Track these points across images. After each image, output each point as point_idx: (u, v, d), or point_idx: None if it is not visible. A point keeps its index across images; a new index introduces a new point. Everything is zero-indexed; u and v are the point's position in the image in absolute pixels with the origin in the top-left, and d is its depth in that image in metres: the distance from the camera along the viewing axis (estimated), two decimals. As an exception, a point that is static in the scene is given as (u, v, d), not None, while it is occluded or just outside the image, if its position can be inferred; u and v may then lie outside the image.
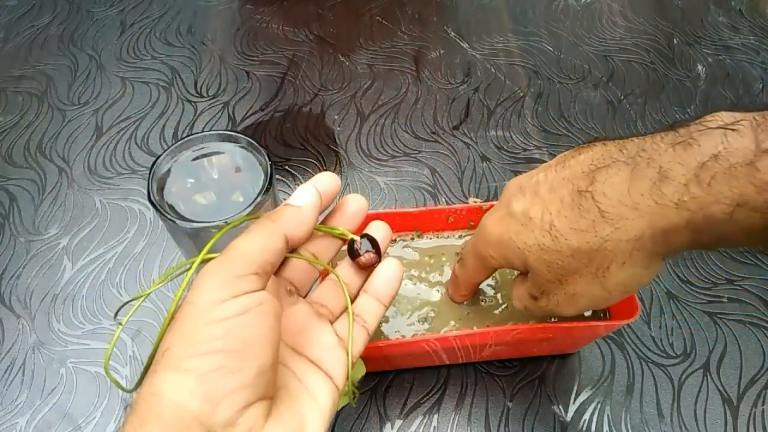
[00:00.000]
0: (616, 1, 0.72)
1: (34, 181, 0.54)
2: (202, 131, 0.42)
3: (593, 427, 0.41)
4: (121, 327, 0.29)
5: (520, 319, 0.39)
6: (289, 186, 0.54)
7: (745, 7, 0.71)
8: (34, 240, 0.50)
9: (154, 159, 0.37)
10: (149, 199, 0.34)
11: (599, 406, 0.41)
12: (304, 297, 0.31)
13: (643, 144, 0.26)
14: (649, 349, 0.44)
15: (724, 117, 0.24)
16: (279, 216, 0.28)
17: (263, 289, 0.25)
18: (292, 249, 0.29)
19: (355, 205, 0.31)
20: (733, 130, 0.24)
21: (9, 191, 0.53)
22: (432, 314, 0.40)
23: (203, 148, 0.37)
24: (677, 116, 0.60)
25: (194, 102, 0.60)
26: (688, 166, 0.24)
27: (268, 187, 0.34)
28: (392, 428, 0.41)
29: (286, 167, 0.55)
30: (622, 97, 0.62)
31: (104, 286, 0.47)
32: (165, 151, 0.36)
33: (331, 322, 0.31)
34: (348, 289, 0.31)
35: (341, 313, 0.31)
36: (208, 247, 0.28)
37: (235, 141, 0.37)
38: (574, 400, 0.42)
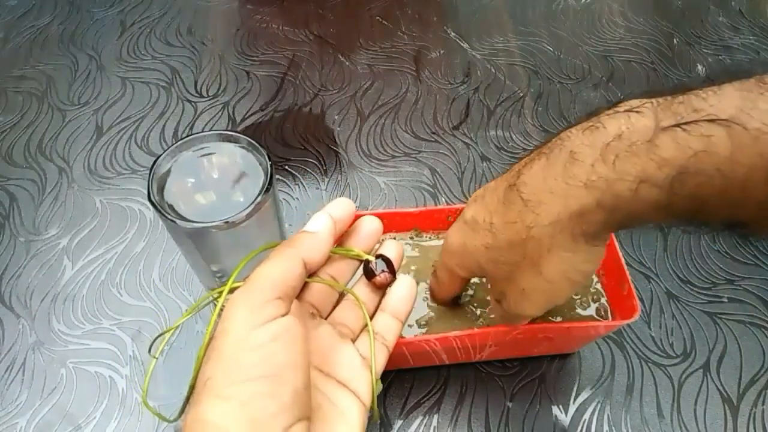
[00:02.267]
0: (616, 1, 0.72)
1: (34, 181, 0.54)
2: (202, 131, 0.42)
3: (593, 427, 0.41)
4: (155, 360, 0.31)
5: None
6: (289, 186, 0.54)
7: (745, 7, 0.71)
8: (34, 240, 0.50)
9: (154, 159, 0.37)
10: (149, 199, 0.34)
11: (599, 406, 0.41)
12: (326, 318, 0.33)
13: (561, 133, 0.28)
14: (649, 349, 0.44)
15: (632, 102, 0.26)
16: (297, 242, 0.29)
17: (288, 313, 0.27)
18: (311, 273, 0.31)
19: (369, 226, 0.34)
20: (637, 112, 0.25)
21: (9, 191, 0.53)
22: (432, 314, 0.40)
23: (203, 148, 0.37)
24: (677, 116, 0.60)
25: (194, 102, 0.60)
26: (595, 147, 0.25)
27: (268, 187, 0.34)
28: (392, 428, 0.41)
29: (286, 167, 0.55)
30: (622, 97, 0.61)
31: (104, 286, 0.47)
32: (165, 151, 0.36)
33: (352, 341, 0.32)
34: (366, 308, 0.33)
35: (361, 331, 0.33)
36: (234, 276, 0.29)
37: (235, 141, 0.37)
38: (574, 400, 0.42)
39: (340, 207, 0.32)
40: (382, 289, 0.34)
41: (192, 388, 0.26)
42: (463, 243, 0.32)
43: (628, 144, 0.24)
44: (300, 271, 0.28)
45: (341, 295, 0.34)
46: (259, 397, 0.24)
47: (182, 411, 0.27)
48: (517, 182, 0.29)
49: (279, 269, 0.28)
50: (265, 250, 0.31)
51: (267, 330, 0.25)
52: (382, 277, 0.33)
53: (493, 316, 0.39)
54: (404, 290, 0.34)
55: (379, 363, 0.32)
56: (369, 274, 0.33)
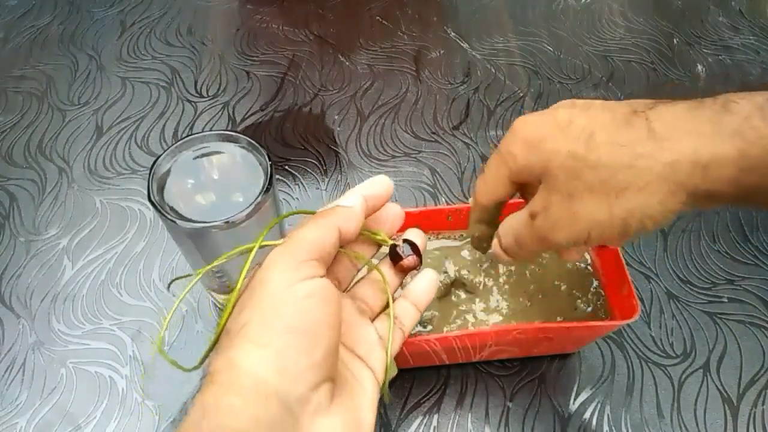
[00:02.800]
0: (616, 1, 0.72)
1: (34, 181, 0.54)
2: (202, 131, 0.42)
3: (593, 427, 0.41)
4: (179, 300, 0.30)
5: (520, 319, 0.39)
6: (289, 186, 0.54)
7: (745, 7, 0.71)
8: (34, 240, 0.50)
9: (154, 159, 0.37)
10: (149, 199, 0.34)
11: (599, 406, 0.41)
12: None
13: (713, 95, 0.26)
14: (649, 349, 0.44)
15: None
16: (333, 212, 0.29)
17: (324, 276, 0.27)
18: (341, 245, 0.31)
19: (392, 211, 0.33)
20: None
21: (9, 191, 0.53)
22: (434, 314, 0.40)
23: (203, 148, 0.37)
24: (677, 116, 0.60)
25: (194, 102, 0.60)
26: (753, 102, 0.24)
27: (268, 187, 0.34)
28: (392, 428, 0.41)
29: (286, 167, 0.55)
30: (622, 97, 0.62)
31: (104, 286, 0.47)
32: (165, 151, 0.36)
33: (371, 319, 0.32)
34: (389, 288, 0.33)
35: (380, 313, 0.33)
36: (264, 234, 0.30)
37: (235, 141, 0.37)
38: (574, 400, 0.42)
39: (377, 185, 0.31)
40: (406, 273, 0.34)
41: (218, 335, 0.27)
42: (540, 137, 0.29)
43: None
44: (335, 239, 0.28)
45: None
46: (294, 350, 0.24)
47: (205, 358, 0.28)
48: (648, 111, 0.26)
49: (317, 233, 0.28)
50: (300, 214, 0.32)
51: (305, 286, 0.26)
52: (409, 260, 0.33)
53: (504, 239, 0.34)
54: (427, 280, 0.34)
55: (395, 346, 0.32)
56: (396, 257, 0.33)
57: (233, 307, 0.27)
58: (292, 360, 0.24)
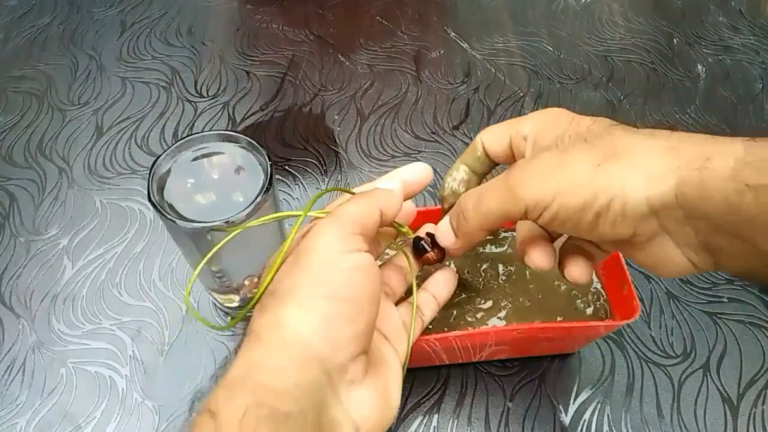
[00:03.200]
0: (616, 1, 0.72)
1: (34, 181, 0.54)
2: (202, 131, 0.42)
3: (593, 427, 0.41)
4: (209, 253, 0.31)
5: (520, 319, 0.39)
6: (289, 186, 0.54)
7: (745, 7, 0.71)
8: (34, 240, 0.50)
9: (154, 159, 0.37)
10: (149, 199, 0.34)
11: (599, 406, 0.41)
12: None
13: None
14: (649, 349, 0.44)
15: None
16: (375, 193, 0.30)
17: (368, 251, 0.28)
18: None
19: (406, 208, 0.34)
20: None
21: (9, 191, 0.53)
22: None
23: (203, 148, 0.37)
24: (677, 116, 0.60)
25: (194, 102, 0.60)
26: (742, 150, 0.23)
27: (268, 187, 0.34)
28: (392, 428, 0.41)
29: (286, 167, 0.55)
30: (622, 97, 0.62)
31: (104, 286, 0.47)
32: (165, 151, 0.36)
33: (395, 304, 0.33)
34: (413, 274, 0.34)
35: (401, 300, 0.34)
36: (312, 202, 0.30)
37: (235, 141, 0.37)
38: (574, 400, 0.42)
39: (417, 172, 0.32)
40: (428, 265, 0.35)
41: (259, 296, 0.27)
42: (559, 125, 0.29)
43: None
44: (377, 219, 0.29)
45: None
46: (340, 318, 0.25)
47: (238, 319, 0.28)
48: (675, 136, 0.25)
49: (360, 210, 0.28)
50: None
51: (352, 258, 0.26)
52: (434, 253, 0.34)
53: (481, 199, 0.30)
54: (447, 276, 0.35)
55: (416, 333, 0.33)
56: (420, 251, 0.34)
57: (279, 267, 0.28)
58: (338, 328, 0.25)
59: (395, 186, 0.31)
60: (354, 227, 0.27)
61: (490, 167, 0.34)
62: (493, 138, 0.33)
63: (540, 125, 0.30)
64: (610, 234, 0.25)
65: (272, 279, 0.27)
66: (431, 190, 0.53)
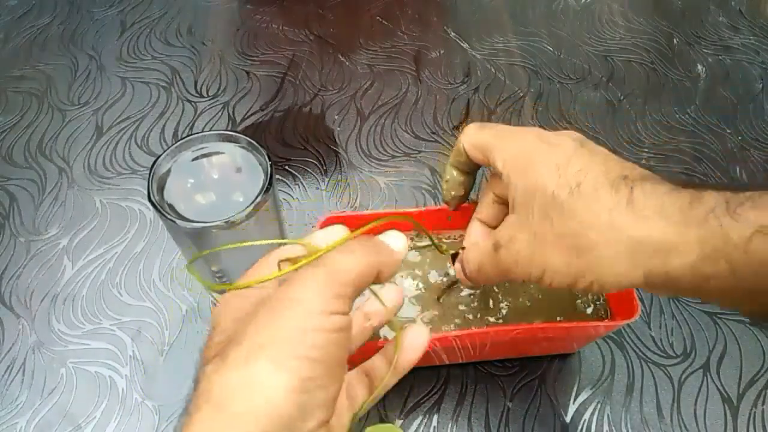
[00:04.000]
0: (616, 1, 0.72)
1: (34, 181, 0.54)
2: (202, 131, 0.42)
3: (593, 427, 0.41)
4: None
5: (520, 319, 0.39)
6: (289, 186, 0.54)
7: (745, 7, 0.71)
8: (34, 240, 0.50)
9: (154, 159, 0.37)
10: (149, 199, 0.34)
11: (599, 406, 0.41)
12: None
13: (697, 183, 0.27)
14: (649, 349, 0.44)
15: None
16: (381, 250, 0.27)
17: (348, 313, 0.25)
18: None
19: (392, 294, 0.31)
20: None
21: (9, 191, 0.53)
22: (436, 314, 0.40)
23: (203, 148, 0.37)
24: (677, 116, 0.60)
25: (194, 102, 0.60)
26: (722, 196, 0.25)
27: (268, 187, 0.34)
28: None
29: (286, 167, 0.55)
30: (622, 97, 0.62)
31: (104, 286, 0.47)
32: (165, 151, 0.36)
33: None
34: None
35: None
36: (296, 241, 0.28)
37: (235, 141, 0.37)
38: (574, 400, 0.42)
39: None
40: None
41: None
42: (537, 168, 0.29)
43: (755, 200, 0.24)
44: (371, 280, 0.27)
45: None
46: (315, 382, 0.23)
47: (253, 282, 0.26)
48: (636, 182, 0.27)
49: (359, 268, 0.26)
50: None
51: (336, 320, 0.24)
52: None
53: (469, 266, 0.34)
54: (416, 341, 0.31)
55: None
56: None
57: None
58: (311, 393, 0.23)
59: (402, 247, 0.28)
60: (347, 288, 0.25)
61: (478, 166, 0.36)
62: (472, 148, 0.34)
63: (516, 176, 0.30)
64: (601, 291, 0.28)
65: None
66: (431, 190, 0.53)
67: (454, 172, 0.37)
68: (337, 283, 0.24)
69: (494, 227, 0.35)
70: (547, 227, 0.28)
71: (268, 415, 0.21)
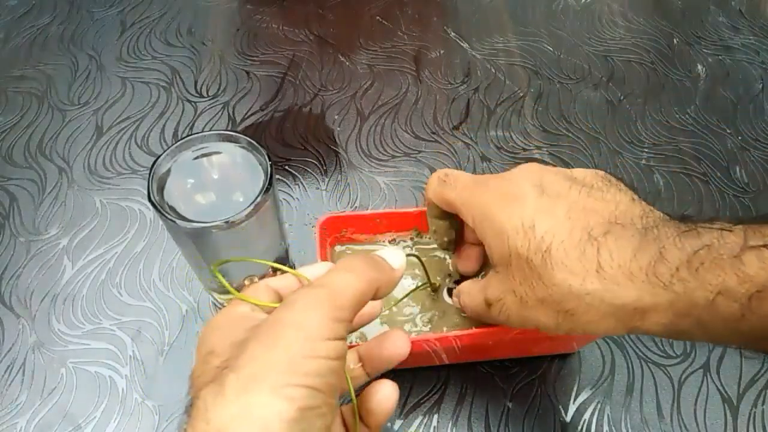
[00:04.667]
0: (616, 1, 0.72)
1: (34, 181, 0.54)
2: (202, 131, 0.42)
3: (593, 427, 0.41)
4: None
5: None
6: (289, 186, 0.54)
7: (745, 7, 0.71)
8: (34, 240, 0.50)
9: (154, 159, 0.37)
10: (149, 199, 0.34)
11: (599, 406, 0.41)
12: None
13: (658, 222, 0.28)
14: (649, 349, 0.44)
15: (725, 222, 0.26)
16: (380, 268, 0.27)
17: (345, 340, 0.25)
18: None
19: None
20: (728, 230, 0.25)
21: (9, 191, 0.53)
22: (436, 314, 0.40)
23: (203, 148, 0.37)
24: (677, 116, 0.60)
25: (194, 102, 0.60)
26: (684, 251, 0.26)
27: (268, 187, 0.34)
28: (392, 428, 0.41)
29: (286, 167, 0.55)
30: (622, 97, 0.62)
31: (104, 286, 0.47)
32: (165, 151, 0.36)
33: None
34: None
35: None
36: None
37: (235, 141, 0.37)
38: (574, 400, 0.42)
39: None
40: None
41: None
42: (505, 231, 0.30)
43: (715, 255, 0.25)
44: (369, 299, 0.26)
45: None
46: (313, 410, 0.22)
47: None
48: (601, 241, 0.28)
49: (359, 288, 0.25)
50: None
51: (335, 346, 0.23)
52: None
53: (467, 310, 0.37)
54: (387, 393, 0.30)
55: None
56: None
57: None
58: (310, 422, 0.22)
59: (400, 262, 0.29)
60: (346, 312, 0.24)
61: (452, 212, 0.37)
62: (439, 203, 0.36)
63: (490, 239, 0.32)
64: None
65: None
66: (431, 190, 0.53)
67: (438, 221, 0.39)
68: (337, 307, 0.24)
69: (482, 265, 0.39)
70: (529, 291, 0.29)
71: None
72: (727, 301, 0.24)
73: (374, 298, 0.27)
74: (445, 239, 0.39)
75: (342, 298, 0.25)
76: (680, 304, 0.26)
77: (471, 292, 0.35)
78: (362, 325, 0.30)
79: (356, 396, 0.29)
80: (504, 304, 0.31)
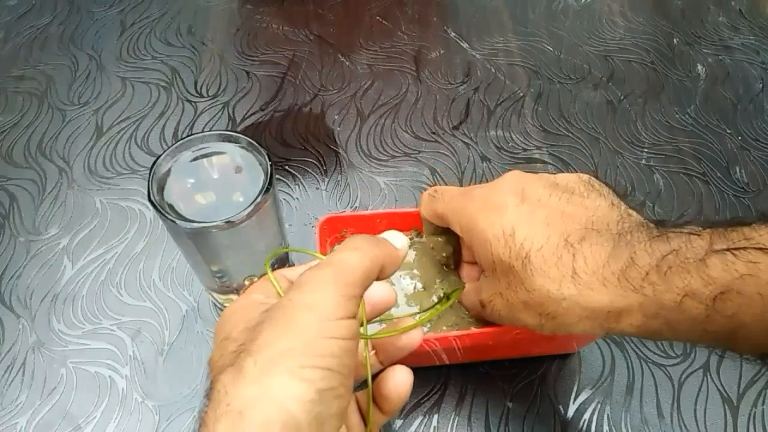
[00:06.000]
0: (616, 1, 0.72)
1: (34, 181, 0.54)
2: (202, 131, 0.42)
3: (593, 427, 0.41)
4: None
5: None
6: (289, 186, 0.54)
7: (745, 7, 0.71)
8: (34, 240, 0.50)
9: (154, 159, 0.37)
10: (149, 199, 0.34)
11: (599, 406, 0.41)
12: None
13: (633, 227, 0.29)
14: (649, 349, 0.44)
15: (694, 226, 0.28)
16: (383, 246, 0.27)
17: (356, 318, 0.24)
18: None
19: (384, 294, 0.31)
20: (696, 234, 0.27)
21: (9, 191, 0.53)
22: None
23: (203, 148, 0.37)
24: (677, 116, 0.60)
25: (194, 102, 0.60)
26: (654, 256, 0.27)
27: (268, 187, 0.34)
28: (392, 428, 0.41)
29: (286, 167, 0.55)
30: (622, 97, 0.62)
31: (104, 286, 0.47)
32: (165, 151, 0.36)
33: None
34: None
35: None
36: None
37: (235, 141, 0.37)
38: (574, 400, 0.42)
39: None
40: None
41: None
42: (487, 238, 0.32)
43: (682, 259, 0.26)
44: (375, 276, 0.26)
45: None
46: (330, 392, 0.22)
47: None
48: (577, 248, 0.29)
49: (368, 266, 0.25)
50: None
51: (348, 325, 0.23)
52: None
53: (470, 311, 0.39)
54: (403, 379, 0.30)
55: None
56: None
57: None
58: (327, 403, 0.22)
59: (403, 243, 0.30)
60: (356, 288, 0.24)
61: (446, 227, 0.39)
62: (431, 218, 0.39)
63: (475, 245, 0.34)
64: None
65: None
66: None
67: (434, 238, 0.41)
68: (349, 285, 0.24)
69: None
70: (513, 295, 0.31)
71: (287, 427, 0.21)
72: (693, 303, 0.26)
73: (379, 277, 0.27)
74: (444, 255, 0.41)
75: (349, 275, 0.24)
76: (650, 306, 0.27)
77: (468, 294, 0.38)
78: (378, 315, 0.30)
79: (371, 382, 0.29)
80: (494, 305, 0.33)
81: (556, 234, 0.30)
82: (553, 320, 0.30)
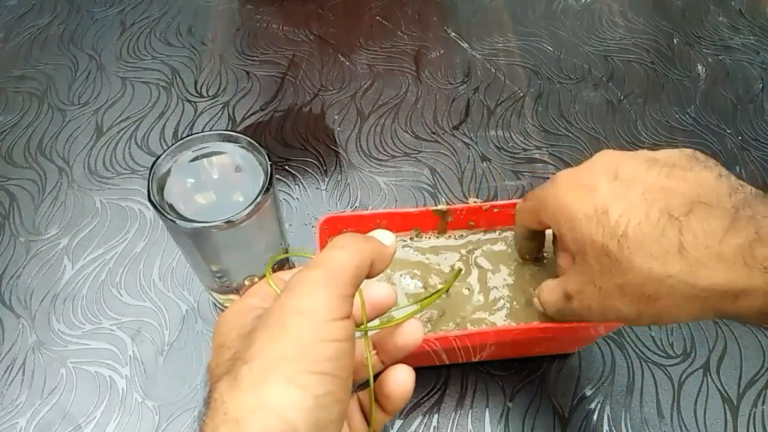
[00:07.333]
0: (616, 1, 0.72)
1: (34, 181, 0.54)
2: (202, 131, 0.42)
3: (593, 427, 0.41)
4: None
5: (521, 319, 0.39)
6: (289, 186, 0.54)
7: (745, 7, 0.71)
8: (34, 240, 0.50)
9: (154, 159, 0.37)
10: (149, 199, 0.34)
11: (599, 406, 0.41)
12: None
13: (751, 200, 0.26)
14: (649, 349, 0.44)
15: None
16: (370, 242, 0.26)
17: (351, 318, 0.24)
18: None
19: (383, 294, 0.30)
20: None
21: (9, 191, 0.53)
22: (436, 313, 0.40)
23: (203, 148, 0.37)
24: (677, 116, 0.60)
25: (194, 102, 0.60)
26: None
27: (268, 187, 0.34)
28: (392, 428, 0.41)
29: (286, 167, 0.55)
30: (622, 97, 0.62)
31: (104, 286, 0.47)
32: (165, 151, 0.36)
33: None
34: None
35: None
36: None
37: (235, 141, 0.37)
38: (574, 400, 0.42)
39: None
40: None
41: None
42: (577, 219, 0.30)
43: None
44: (365, 273, 0.26)
45: None
46: (329, 397, 0.22)
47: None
48: (683, 221, 0.26)
49: (358, 264, 0.25)
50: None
51: (343, 327, 0.23)
52: None
53: (548, 307, 0.36)
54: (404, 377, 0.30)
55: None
56: None
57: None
58: (326, 409, 0.21)
59: (391, 240, 0.28)
60: (347, 287, 0.24)
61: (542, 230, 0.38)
62: (527, 222, 0.37)
63: (565, 231, 0.31)
64: None
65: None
66: (431, 190, 0.53)
67: (524, 241, 0.40)
68: (340, 285, 0.23)
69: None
70: (608, 280, 0.28)
71: None
72: None
73: (370, 274, 0.26)
74: (527, 256, 0.41)
75: (339, 274, 0.24)
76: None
77: (550, 287, 0.34)
78: (378, 316, 0.30)
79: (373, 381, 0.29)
80: (584, 295, 0.30)
81: (656, 209, 0.27)
82: (654, 304, 0.27)
